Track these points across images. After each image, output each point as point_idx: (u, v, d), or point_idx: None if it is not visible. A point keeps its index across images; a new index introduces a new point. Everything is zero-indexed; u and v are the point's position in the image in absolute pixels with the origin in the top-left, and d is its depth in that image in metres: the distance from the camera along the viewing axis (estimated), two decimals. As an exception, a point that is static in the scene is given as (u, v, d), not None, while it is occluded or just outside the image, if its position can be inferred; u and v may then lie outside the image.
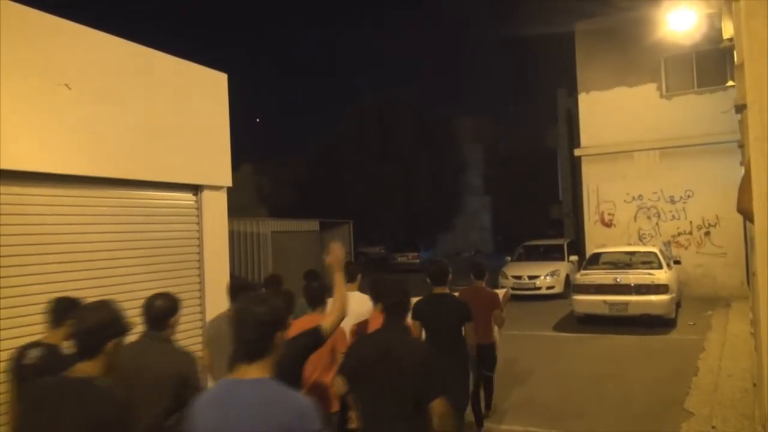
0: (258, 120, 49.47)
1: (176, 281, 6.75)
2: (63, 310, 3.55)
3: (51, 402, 2.24)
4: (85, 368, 2.34)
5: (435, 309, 4.60)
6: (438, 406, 2.78)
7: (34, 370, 3.34)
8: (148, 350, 3.16)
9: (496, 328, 5.84)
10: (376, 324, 3.50)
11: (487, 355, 5.68)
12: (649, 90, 15.75)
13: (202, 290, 7.10)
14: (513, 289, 14.10)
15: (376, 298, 3.31)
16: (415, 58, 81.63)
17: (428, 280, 4.77)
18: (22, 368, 3.44)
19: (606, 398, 7.09)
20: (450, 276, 4.76)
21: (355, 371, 2.92)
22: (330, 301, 3.36)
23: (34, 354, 3.48)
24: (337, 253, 3.15)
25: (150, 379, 3.00)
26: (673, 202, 15.34)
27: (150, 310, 3.28)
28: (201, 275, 7.19)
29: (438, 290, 4.72)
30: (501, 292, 6.09)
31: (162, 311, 3.29)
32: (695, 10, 10.85)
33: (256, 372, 2.09)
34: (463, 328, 4.59)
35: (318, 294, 4.24)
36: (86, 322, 2.39)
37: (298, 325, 3.29)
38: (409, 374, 2.78)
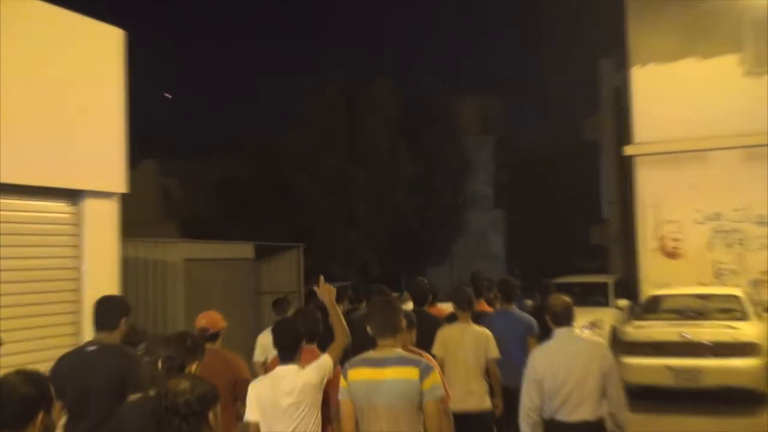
0: (169, 96, 49.16)
1: (41, 331, 6.66)
2: None
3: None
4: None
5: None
6: None
7: None
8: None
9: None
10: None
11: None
12: (729, 63, 15.89)
13: (78, 337, 7.01)
14: (536, 346, 14.07)
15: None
16: (398, 19, 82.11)
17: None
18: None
19: None
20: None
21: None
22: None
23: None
24: (325, 288, 5.19)
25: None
26: (763, 223, 15.48)
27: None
28: (78, 318, 7.20)
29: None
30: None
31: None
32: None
33: None
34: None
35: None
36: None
37: None
38: None
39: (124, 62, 7.95)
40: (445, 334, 6.75)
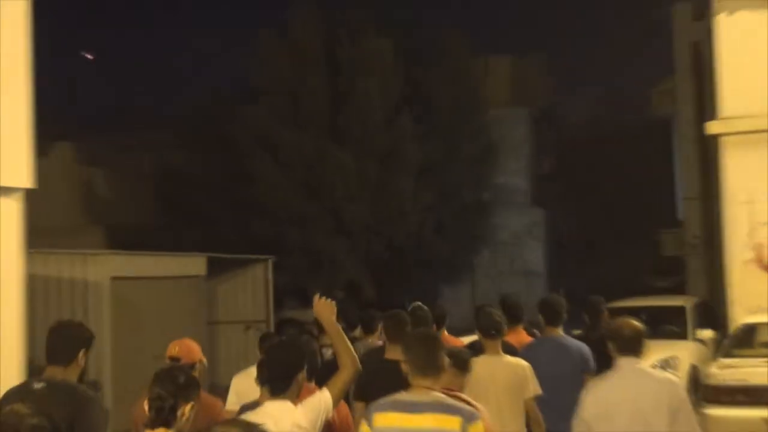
0: (90, 57, 49.08)
1: None
2: None
3: None
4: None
5: None
6: None
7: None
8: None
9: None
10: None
11: None
12: None
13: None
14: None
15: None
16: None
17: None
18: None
19: None
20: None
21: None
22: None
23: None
24: (323, 304, 5.51)
25: None
26: None
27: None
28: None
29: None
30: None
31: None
32: None
33: None
34: None
35: None
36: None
37: None
38: None
39: (28, 15, 7.95)
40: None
